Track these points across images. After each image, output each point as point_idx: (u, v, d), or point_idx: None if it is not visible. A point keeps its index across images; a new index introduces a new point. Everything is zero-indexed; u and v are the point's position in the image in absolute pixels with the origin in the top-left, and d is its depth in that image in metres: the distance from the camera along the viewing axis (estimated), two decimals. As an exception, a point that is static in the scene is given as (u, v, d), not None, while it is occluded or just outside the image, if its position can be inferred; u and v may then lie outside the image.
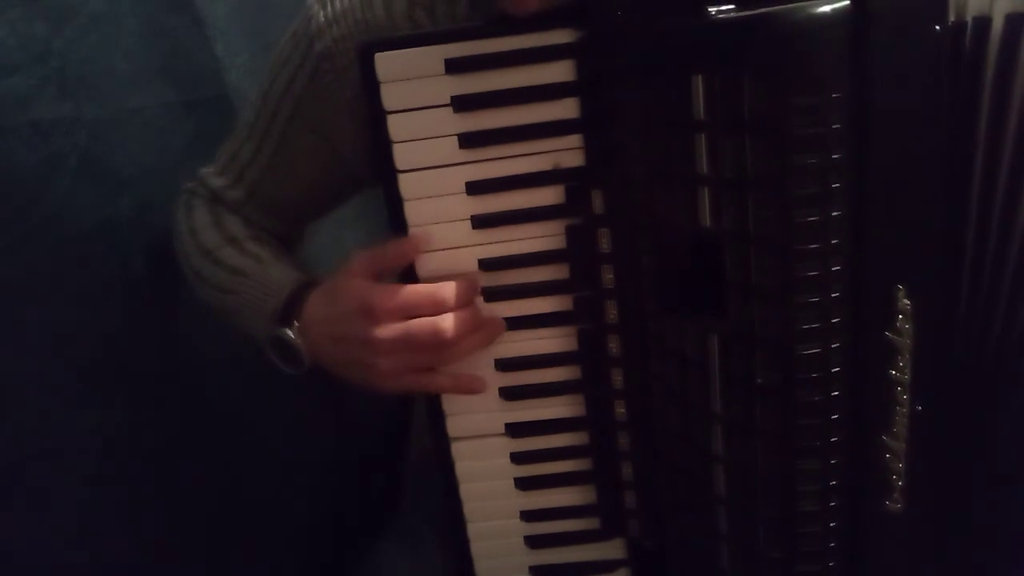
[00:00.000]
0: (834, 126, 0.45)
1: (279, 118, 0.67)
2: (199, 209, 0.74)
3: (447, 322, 0.58)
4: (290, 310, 0.65)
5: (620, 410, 0.61)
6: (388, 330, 0.58)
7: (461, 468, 0.65)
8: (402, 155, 0.58)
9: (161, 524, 0.82)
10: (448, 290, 0.59)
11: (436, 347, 0.59)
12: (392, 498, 0.86)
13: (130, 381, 0.79)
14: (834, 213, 0.46)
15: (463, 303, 0.59)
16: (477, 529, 0.67)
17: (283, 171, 0.70)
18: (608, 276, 0.59)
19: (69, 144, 0.72)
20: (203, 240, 0.71)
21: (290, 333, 0.64)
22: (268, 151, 0.69)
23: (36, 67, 0.70)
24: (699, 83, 0.47)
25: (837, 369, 0.49)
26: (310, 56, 0.63)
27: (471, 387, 0.63)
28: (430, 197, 0.59)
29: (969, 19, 0.48)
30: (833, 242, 0.47)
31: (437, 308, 0.58)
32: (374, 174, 0.60)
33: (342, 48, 0.61)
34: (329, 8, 0.62)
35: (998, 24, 0.47)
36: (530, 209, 0.59)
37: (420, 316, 0.58)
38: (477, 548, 0.68)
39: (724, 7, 0.47)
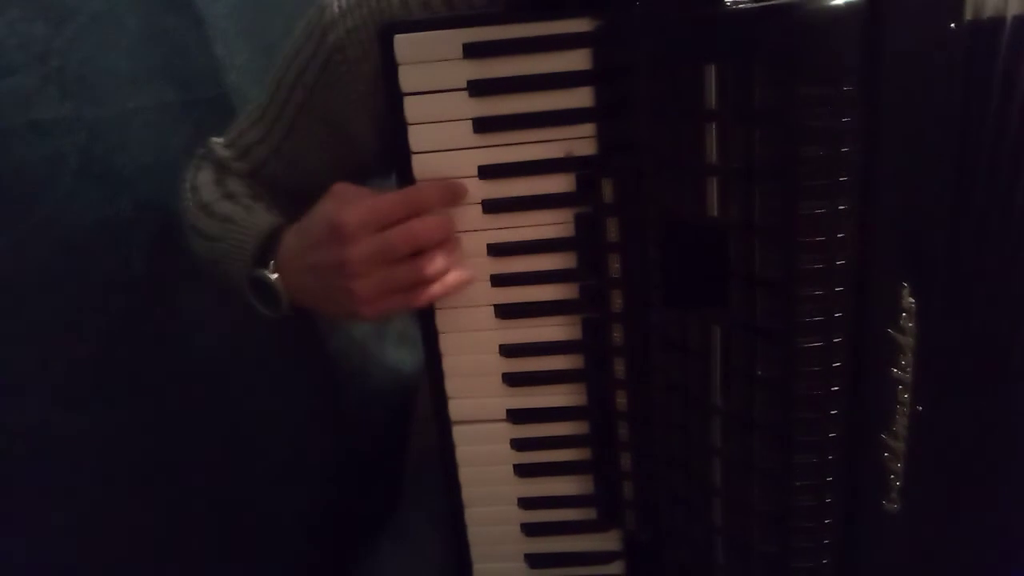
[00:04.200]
0: (844, 119, 0.45)
1: (290, 106, 0.66)
2: (205, 170, 0.73)
3: (423, 224, 0.55)
4: (267, 250, 0.64)
5: (621, 400, 0.62)
6: (360, 247, 0.54)
7: (461, 452, 0.66)
8: (417, 137, 0.58)
9: (161, 524, 0.82)
10: (422, 191, 0.55)
11: (414, 256, 0.56)
12: (392, 498, 0.86)
13: (130, 381, 0.79)
14: (841, 206, 0.46)
15: (441, 204, 0.56)
16: (475, 514, 0.67)
17: (289, 157, 0.69)
18: (615, 265, 0.59)
19: (69, 144, 0.72)
20: (202, 195, 0.71)
21: (267, 272, 0.62)
22: (277, 136, 0.69)
23: (36, 67, 0.70)
24: (712, 73, 0.48)
25: (838, 364, 0.49)
26: (323, 47, 0.62)
27: (460, 281, 0.58)
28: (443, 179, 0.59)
29: (986, 19, 0.47)
30: (839, 236, 0.47)
31: (411, 212, 0.55)
32: (385, 164, 0.58)
33: (355, 40, 0.60)
34: None
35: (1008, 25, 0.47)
36: (541, 196, 0.59)
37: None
38: (474, 533, 0.68)
39: (741, -1, 0.47)
